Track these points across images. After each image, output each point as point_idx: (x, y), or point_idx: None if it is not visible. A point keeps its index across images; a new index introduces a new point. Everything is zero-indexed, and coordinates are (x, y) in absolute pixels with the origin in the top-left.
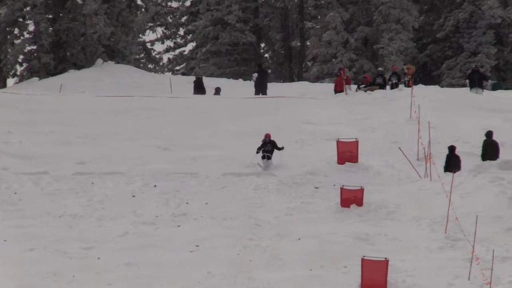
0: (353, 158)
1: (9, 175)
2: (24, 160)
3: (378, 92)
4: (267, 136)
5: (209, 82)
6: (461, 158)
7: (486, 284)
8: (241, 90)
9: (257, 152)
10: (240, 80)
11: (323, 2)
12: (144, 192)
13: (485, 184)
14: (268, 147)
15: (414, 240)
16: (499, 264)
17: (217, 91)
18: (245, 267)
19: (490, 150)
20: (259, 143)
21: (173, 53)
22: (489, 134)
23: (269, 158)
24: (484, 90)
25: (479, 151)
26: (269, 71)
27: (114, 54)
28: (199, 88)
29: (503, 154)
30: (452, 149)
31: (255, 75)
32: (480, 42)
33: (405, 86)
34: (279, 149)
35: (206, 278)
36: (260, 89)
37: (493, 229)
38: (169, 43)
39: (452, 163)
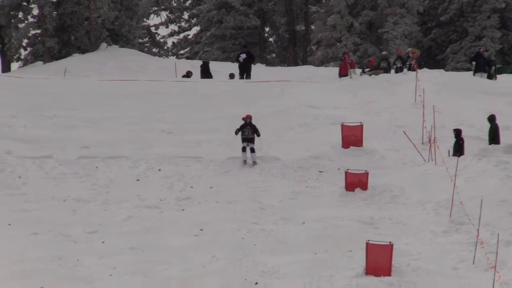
0: (358, 142)
1: (13, 159)
2: (28, 144)
3: (383, 76)
4: (248, 117)
5: (215, 67)
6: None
7: (491, 268)
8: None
9: (236, 133)
10: None
11: None
12: (148, 176)
13: (489, 168)
14: (248, 132)
15: (419, 224)
16: (503, 248)
17: (231, 76)
18: (250, 251)
19: (497, 134)
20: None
21: (177, 37)
22: (494, 118)
23: (252, 150)
24: (487, 74)
25: (484, 135)
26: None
27: (118, 38)
28: (205, 73)
29: (508, 138)
30: (459, 132)
31: (243, 55)
32: (485, 26)
33: (410, 70)
34: (258, 135)
35: (210, 262)
36: (245, 71)
37: (498, 213)
38: (173, 27)
39: (459, 146)
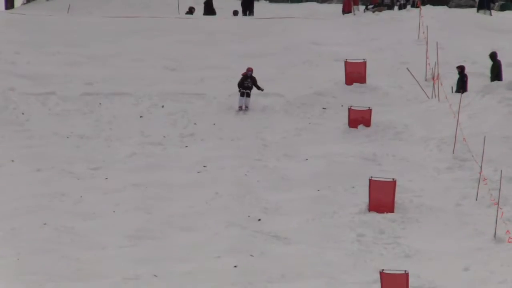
0: (361, 79)
1: (17, 96)
2: (31, 80)
3: (386, 13)
4: (249, 70)
5: (218, 3)
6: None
7: (494, 204)
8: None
9: (239, 86)
10: None
11: None
12: (151, 112)
13: (493, 105)
14: (248, 83)
15: (422, 160)
16: (506, 184)
17: (235, 13)
18: (253, 187)
19: (500, 71)
20: (239, 78)
21: None
22: (495, 55)
23: (248, 95)
24: (491, 11)
25: (488, 71)
26: None
27: None
28: (209, 9)
29: (511, 74)
30: (462, 69)
31: None
32: None
33: (413, 7)
34: (259, 88)
35: (213, 199)
36: (248, 8)
37: (501, 150)
38: None
39: (462, 83)
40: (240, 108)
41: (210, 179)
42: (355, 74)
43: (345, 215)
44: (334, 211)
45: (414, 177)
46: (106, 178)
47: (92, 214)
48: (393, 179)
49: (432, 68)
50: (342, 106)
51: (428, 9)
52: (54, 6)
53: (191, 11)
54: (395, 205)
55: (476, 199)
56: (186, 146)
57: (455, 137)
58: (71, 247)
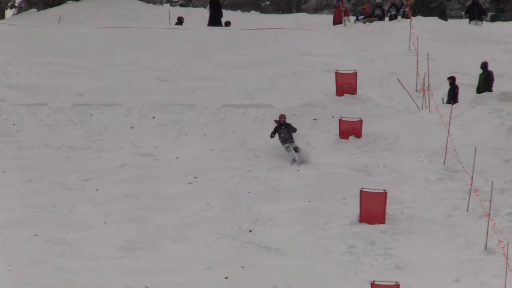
0: (352, 90)
1: (7, 107)
2: (22, 91)
3: (377, 24)
4: (282, 117)
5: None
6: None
7: (485, 215)
8: (239, 21)
9: (272, 137)
10: (239, 11)
11: None
12: (142, 123)
13: (484, 116)
14: (284, 133)
15: (413, 171)
16: (497, 196)
17: (227, 24)
18: (244, 198)
19: (487, 82)
20: (273, 126)
21: None
22: (486, 65)
23: (296, 150)
24: (482, 23)
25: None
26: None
27: None
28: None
29: (502, 85)
30: (453, 80)
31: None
32: None
33: (404, 17)
34: (295, 130)
35: (205, 210)
36: (213, 20)
37: (492, 161)
38: None
39: (453, 94)
40: (294, 160)
41: (201, 190)
42: (345, 85)
43: (336, 226)
44: (325, 222)
45: (405, 188)
46: (97, 189)
47: (83, 225)
48: (384, 190)
49: (423, 79)
50: (333, 117)
51: (418, 20)
52: (45, 17)
53: (180, 21)
54: (386, 216)
55: (467, 211)
56: (177, 157)
57: (446, 148)
58: (62, 258)
